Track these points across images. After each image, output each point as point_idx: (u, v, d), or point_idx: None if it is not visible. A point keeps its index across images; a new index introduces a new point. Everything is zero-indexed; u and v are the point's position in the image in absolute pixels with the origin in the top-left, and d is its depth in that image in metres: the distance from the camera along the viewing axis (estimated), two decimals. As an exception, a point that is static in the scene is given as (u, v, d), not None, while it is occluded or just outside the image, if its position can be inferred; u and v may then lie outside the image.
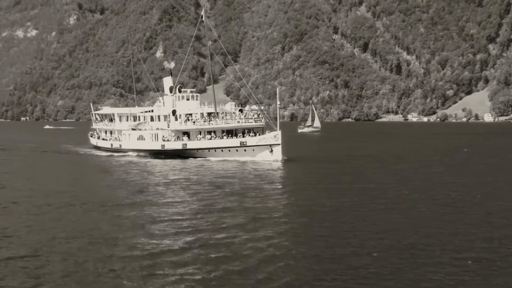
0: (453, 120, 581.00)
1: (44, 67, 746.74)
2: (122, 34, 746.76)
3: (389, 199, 51.11)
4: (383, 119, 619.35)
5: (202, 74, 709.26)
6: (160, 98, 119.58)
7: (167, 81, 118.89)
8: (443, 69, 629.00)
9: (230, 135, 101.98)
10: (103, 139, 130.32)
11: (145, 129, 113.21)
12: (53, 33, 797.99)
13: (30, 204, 47.59)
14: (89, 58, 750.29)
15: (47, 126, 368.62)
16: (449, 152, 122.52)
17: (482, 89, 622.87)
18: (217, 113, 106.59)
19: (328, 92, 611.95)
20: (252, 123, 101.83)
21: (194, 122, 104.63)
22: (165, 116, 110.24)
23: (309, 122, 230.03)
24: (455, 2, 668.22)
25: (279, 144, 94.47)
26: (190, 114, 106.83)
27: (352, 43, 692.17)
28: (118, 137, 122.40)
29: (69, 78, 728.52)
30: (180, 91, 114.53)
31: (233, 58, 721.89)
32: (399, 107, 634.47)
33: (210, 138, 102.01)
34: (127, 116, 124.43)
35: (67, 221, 39.99)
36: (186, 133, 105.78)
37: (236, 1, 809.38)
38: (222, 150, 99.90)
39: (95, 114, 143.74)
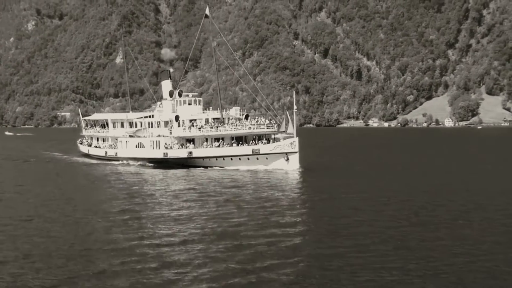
0: (413, 126, 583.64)
1: (2, 73, 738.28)
2: (82, 40, 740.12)
3: (419, 212, 47.26)
4: (344, 125, 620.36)
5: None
6: (159, 103, 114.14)
7: (166, 85, 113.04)
8: (403, 75, 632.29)
9: (240, 142, 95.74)
10: (96, 146, 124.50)
11: (145, 136, 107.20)
12: (11, 39, 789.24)
13: (44, 220, 44.65)
14: (48, 64, 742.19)
15: (7, 133, 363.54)
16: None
17: (442, 95, 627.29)
18: (223, 118, 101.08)
19: (289, 98, 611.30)
20: (264, 129, 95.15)
21: (199, 128, 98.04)
22: (166, 122, 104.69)
23: (282, 128, 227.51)
24: (414, 8, 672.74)
25: (296, 152, 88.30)
26: (194, 120, 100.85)
27: (313, 49, 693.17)
28: (113, 144, 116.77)
29: (27, 84, 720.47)
30: (180, 95, 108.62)
31: (193, 64, 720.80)
32: (359, 112, 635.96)
33: (218, 146, 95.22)
34: (122, 122, 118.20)
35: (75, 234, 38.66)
36: (190, 140, 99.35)
37: (196, 7, 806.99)
38: (231, 159, 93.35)
39: (84, 120, 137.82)
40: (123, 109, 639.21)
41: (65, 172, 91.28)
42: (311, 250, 33.77)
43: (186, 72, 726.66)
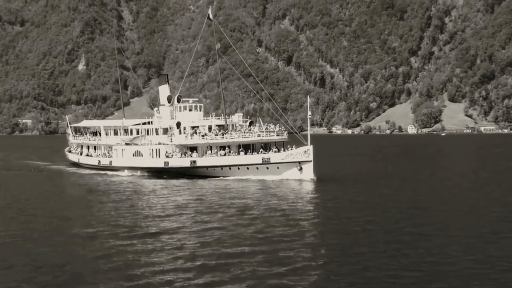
0: (377, 132, 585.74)
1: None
2: (43, 47, 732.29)
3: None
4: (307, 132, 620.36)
5: (126, 87, 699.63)
6: (156, 109, 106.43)
7: (164, 90, 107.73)
8: (366, 82, 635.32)
9: (247, 151, 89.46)
10: (87, 155, 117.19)
11: (143, 144, 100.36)
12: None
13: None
14: (9, 71, 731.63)
15: None
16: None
17: (404, 102, 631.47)
18: (228, 125, 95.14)
19: (253, 105, 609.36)
20: (274, 137, 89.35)
21: (203, 135, 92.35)
22: (166, 129, 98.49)
23: None
24: (377, 16, 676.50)
25: (311, 161, 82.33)
26: (197, 127, 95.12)
27: (276, 56, 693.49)
28: (107, 153, 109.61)
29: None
30: (179, 101, 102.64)
31: (156, 71, 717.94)
32: (323, 119, 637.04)
33: (225, 154, 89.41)
34: (116, 129, 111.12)
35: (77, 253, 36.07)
36: (193, 149, 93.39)
37: (159, 14, 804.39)
38: (238, 168, 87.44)
39: (73, 127, 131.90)
40: (86, 116, 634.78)
41: (59, 183, 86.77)
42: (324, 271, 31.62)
43: (150, 78, 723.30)
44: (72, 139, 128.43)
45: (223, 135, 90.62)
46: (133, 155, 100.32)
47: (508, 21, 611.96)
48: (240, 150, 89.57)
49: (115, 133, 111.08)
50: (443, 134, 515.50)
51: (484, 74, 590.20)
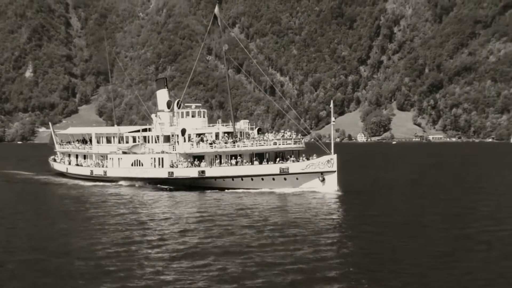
0: (327, 141, 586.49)
1: None
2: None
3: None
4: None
5: (74, 95, 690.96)
6: (153, 116, 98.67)
7: (162, 95, 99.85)
8: (316, 90, 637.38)
9: (261, 160, 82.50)
10: (77, 164, 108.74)
11: (143, 153, 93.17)
12: None
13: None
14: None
15: None
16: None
17: (354, 110, 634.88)
18: (237, 133, 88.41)
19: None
20: (291, 145, 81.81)
21: (211, 144, 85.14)
22: (167, 137, 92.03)
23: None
24: (326, 25, 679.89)
25: (335, 172, 75.92)
26: (203, 134, 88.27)
27: (226, 64, 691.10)
28: (101, 162, 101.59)
29: None
30: (179, 106, 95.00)
31: (105, 78, 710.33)
32: (273, 127, 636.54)
33: (236, 163, 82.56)
34: (109, 137, 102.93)
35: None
36: (199, 158, 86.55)
37: (108, 21, 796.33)
38: (252, 179, 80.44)
39: (57, 134, 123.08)
40: (33, 124, 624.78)
41: (47, 195, 79.62)
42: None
43: (98, 86, 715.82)
44: (57, 147, 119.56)
45: (234, 143, 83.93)
46: (132, 165, 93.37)
47: (456, 31, 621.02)
48: (254, 159, 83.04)
49: (108, 140, 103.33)
50: (394, 142, 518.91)
51: (433, 83, 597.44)
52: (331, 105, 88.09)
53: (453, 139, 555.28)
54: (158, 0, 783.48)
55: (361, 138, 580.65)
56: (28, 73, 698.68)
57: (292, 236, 44.13)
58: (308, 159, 79.61)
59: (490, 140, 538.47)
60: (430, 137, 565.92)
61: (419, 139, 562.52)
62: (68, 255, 37.68)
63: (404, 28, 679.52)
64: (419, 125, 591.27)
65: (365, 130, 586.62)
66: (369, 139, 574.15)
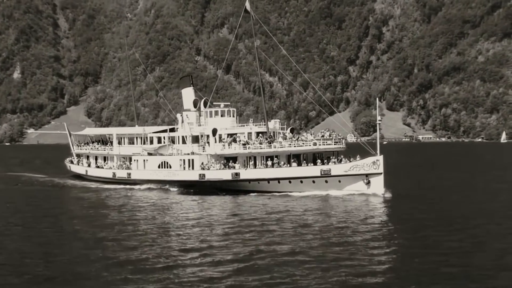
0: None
1: None
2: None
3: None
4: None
5: (62, 96, 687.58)
6: (179, 115, 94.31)
7: (188, 93, 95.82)
8: (305, 91, 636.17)
9: (299, 162, 77.80)
10: (98, 166, 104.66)
11: (171, 154, 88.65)
12: None
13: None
14: None
15: None
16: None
17: (343, 110, 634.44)
18: (272, 133, 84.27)
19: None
20: (331, 146, 77.15)
21: (244, 144, 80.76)
22: (196, 137, 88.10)
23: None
24: (315, 25, 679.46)
25: (381, 174, 71.87)
26: (235, 134, 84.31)
27: (215, 65, 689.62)
28: (124, 164, 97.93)
29: None
30: (206, 105, 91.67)
31: (93, 79, 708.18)
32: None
33: (272, 165, 78.09)
34: (132, 138, 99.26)
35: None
36: (231, 159, 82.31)
37: (96, 22, 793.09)
38: (290, 182, 75.97)
39: (75, 135, 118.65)
40: (21, 125, 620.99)
41: (73, 199, 75.34)
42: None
43: (86, 87, 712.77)
44: (75, 148, 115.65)
45: (270, 143, 79.42)
46: (159, 167, 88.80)
47: (444, 31, 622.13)
48: (292, 160, 77.97)
49: (131, 141, 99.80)
50: (384, 142, 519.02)
51: (422, 83, 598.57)
52: (377, 103, 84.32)
53: (443, 139, 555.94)
54: (146, 0, 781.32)
55: (350, 138, 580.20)
56: (16, 74, 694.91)
57: (336, 243, 41.61)
58: (349, 160, 75.81)
59: (480, 140, 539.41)
60: (420, 137, 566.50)
61: (408, 139, 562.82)
62: (105, 262, 36.28)
63: (392, 28, 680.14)
64: (408, 125, 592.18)
65: (355, 130, 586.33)
66: (358, 140, 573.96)
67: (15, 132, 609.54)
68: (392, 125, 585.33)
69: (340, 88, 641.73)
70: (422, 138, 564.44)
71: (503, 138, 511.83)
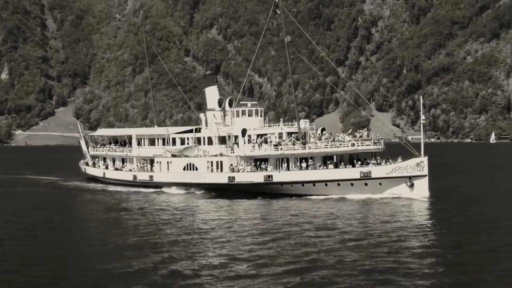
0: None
1: None
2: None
3: None
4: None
5: (50, 97, 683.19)
6: (202, 115, 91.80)
7: (212, 92, 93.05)
8: (294, 92, 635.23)
9: (336, 164, 74.54)
10: (117, 169, 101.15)
11: (197, 156, 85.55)
12: None
13: None
14: None
15: None
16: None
17: (333, 111, 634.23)
18: (305, 133, 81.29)
19: (181, 114, 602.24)
20: (370, 147, 74.54)
21: (276, 145, 77.57)
22: (223, 138, 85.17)
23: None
24: (305, 26, 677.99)
25: (425, 176, 68.83)
26: (265, 135, 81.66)
27: (204, 66, 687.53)
28: (145, 166, 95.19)
29: None
30: (231, 105, 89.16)
31: (82, 80, 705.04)
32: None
33: (307, 167, 74.96)
34: (154, 139, 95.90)
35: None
36: (262, 161, 79.64)
37: (84, 22, 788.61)
38: (326, 185, 72.88)
39: (92, 136, 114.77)
40: (9, 127, 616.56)
41: (92, 204, 72.44)
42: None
43: (75, 88, 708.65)
44: (90, 150, 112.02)
45: (304, 144, 76.30)
46: (184, 169, 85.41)
47: (433, 32, 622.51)
48: (329, 162, 74.91)
49: (152, 143, 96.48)
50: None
51: (411, 84, 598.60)
52: (421, 101, 79.38)
53: (432, 140, 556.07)
54: (135, 1, 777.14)
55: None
56: (4, 75, 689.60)
57: (379, 251, 39.69)
58: (387, 161, 73.19)
59: (469, 140, 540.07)
60: (409, 138, 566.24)
61: (398, 139, 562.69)
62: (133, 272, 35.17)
63: (381, 29, 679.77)
64: (398, 125, 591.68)
65: (345, 131, 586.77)
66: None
67: (3, 133, 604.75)
68: (382, 126, 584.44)
69: (329, 89, 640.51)
70: (412, 138, 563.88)
71: (492, 138, 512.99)
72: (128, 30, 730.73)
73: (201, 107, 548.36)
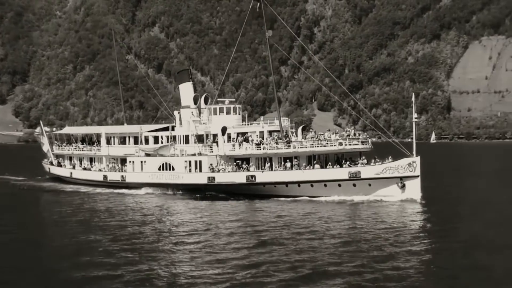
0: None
1: None
2: None
3: None
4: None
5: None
6: (176, 112, 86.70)
7: (187, 88, 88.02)
8: (237, 91, 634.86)
9: (317, 162, 71.47)
10: (85, 168, 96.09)
11: (173, 155, 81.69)
12: None
13: None
14: None
15: None
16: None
17: (275, 110, 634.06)
18: (287, 132, 77.94)
19: (122, 113, 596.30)
20: (358, 146, 70.89)
21: (258, 144, 74.29)
22: (200, 137, 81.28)
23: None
24: (247, 25, 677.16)
25: (418, 177, 66.03)
26: (245, 133, 78.01)
27: (146, 64, 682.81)
28: (116, 166, 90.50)
29: None
30: (206, 102, 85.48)
31: (21, 77, 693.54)
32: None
33: (291, 167, 71.93)
34: (125, 137, 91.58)
35: None
36: (242, 161, 76.04)
37: (24, 19, 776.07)
38: (311, 185, 69.79)
39: (55, 135, 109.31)
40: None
41: (62, 205, 67.66)
42: None
43: (14, 86, 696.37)
44: (55, 149, 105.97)
45: (288, 143, 73.12)
46: (160, 169, 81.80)
47: (375, 32, 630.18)
48: (314, 162, 71.79)
49: (122, 141, 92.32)
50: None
51: (352, 84, 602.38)
52: (413, 99, 73.95)
53: (373, 139, 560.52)
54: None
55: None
56: None
57: (369, 256, 37.67)
58: (377, 161, 69.99)
59: (410, 140, 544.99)
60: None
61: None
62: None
63: (324, 29, 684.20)
64: (339, 125, 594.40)
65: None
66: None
67: None
68: (324, 125, 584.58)
69: (272, 88, 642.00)
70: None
71: (433, 138, 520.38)
72: (69, 28, 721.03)
73: (143, 105, 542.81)
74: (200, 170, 77.76)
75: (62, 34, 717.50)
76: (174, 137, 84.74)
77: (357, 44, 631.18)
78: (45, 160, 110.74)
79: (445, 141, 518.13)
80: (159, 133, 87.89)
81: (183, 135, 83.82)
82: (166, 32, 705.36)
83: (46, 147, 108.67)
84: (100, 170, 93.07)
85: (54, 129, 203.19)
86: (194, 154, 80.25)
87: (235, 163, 77.08)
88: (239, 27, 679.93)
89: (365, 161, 71.37)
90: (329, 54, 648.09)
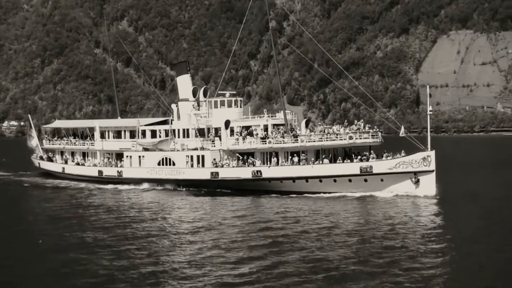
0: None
1: None
2: None
3: None
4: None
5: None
6: (174, 105, 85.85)
7: (185, 81, 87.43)
8: (206, 85, 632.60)
9: (334, 158, 70.14)
10: (78, 163, 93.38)
11: (173, 149, 79.95)
12: None
13: None
14: None
15: None
16: None
17: (245, 105, 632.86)
18: (291, 125, 76.68)
19: (91, 107, 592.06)
20: (368, 140, 70.34)
21: (263, 138, 72.87)
22: (201, 131, 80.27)
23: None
24: (216, 19, 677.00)
25: (432, 171, 64.34)
26: (249, 127, 76.90)
27: (115, 58, 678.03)
28: (112, 161, 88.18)
29: None
30: (205, 95, 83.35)
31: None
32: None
33: (298, 162, 70.11)
34: (120, 131, 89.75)
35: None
36: (247, 155, 74.60)
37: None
38: (320, 181, 67.99)
39: (45, 128, 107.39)
40: None
41: (57, 201, 66.46)
42: None
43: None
44: (45, 143, 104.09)
45: (295, 137, 71.71)
46: (159, 164, 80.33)
47: (344, 27, 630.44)
48: (323, 156, 70.60)
49: (117, 135, 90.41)
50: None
51: (322, 78, 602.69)
52: (428, 91, 74.06)
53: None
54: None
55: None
56: None
57: (381, 254, 36.92)
58: (383, 155, 69.12)
59: (379, 133, 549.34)
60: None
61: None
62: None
63: (293, 23, 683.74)
64: (309, 119, 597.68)
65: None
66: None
67: None
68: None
69: (241, 83, 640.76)
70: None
71: (402, 132, 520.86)
72: (37, 21, 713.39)
73: (112, 99, 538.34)
74: (203, 165, 76.51)
75: (30, 27, 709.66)
76: (173, 130, 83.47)
77: (326, 38, 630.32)
78: (34, 155, 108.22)
79: (414, 134, 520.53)
80: (157, 127, 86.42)
81: (182, 129, 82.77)
82: (134, 25, 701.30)
83: (35, 142, 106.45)
84: (94, 165, 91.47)
85: (22, 123, 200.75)
86: (196, 149, 79.10)
87: (238, 158, 75.77)
88: (208, 21, 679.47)
89: (375, 155, 70.43)
90: (298, 49, 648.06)
